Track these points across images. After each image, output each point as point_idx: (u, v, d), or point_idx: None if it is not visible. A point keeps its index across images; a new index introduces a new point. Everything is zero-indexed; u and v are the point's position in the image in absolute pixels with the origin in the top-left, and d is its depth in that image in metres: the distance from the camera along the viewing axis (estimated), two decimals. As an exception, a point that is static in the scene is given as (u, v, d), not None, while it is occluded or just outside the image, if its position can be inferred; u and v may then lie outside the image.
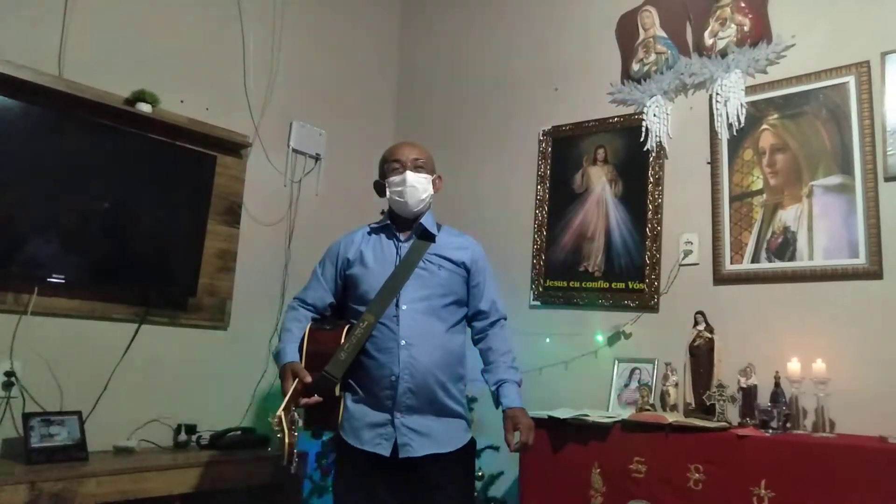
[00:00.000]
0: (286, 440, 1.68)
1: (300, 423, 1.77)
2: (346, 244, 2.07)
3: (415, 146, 2.09)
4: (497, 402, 1.97)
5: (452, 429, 1.93)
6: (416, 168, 2.02)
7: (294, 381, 1.81)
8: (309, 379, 1.82)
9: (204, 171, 2.85)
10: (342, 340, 1.89)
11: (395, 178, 2.01)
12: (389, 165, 2.04)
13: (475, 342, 2.06)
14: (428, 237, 2.02)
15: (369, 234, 2.07)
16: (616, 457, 2.23)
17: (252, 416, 2.98)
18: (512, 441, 1.89)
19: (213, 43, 3.00)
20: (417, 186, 2.00)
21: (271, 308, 3.10)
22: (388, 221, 2.06)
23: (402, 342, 1.87)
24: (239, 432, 2.77)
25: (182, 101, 2.83)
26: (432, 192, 2.06)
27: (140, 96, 2.62)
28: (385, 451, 1.84)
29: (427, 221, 2.04)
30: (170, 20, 2.85)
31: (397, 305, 1.91)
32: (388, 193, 2.03)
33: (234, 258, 2.99)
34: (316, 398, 1.83)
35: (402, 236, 2.03)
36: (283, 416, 1.71)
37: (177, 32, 2.87)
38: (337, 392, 1.89)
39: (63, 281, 2.43)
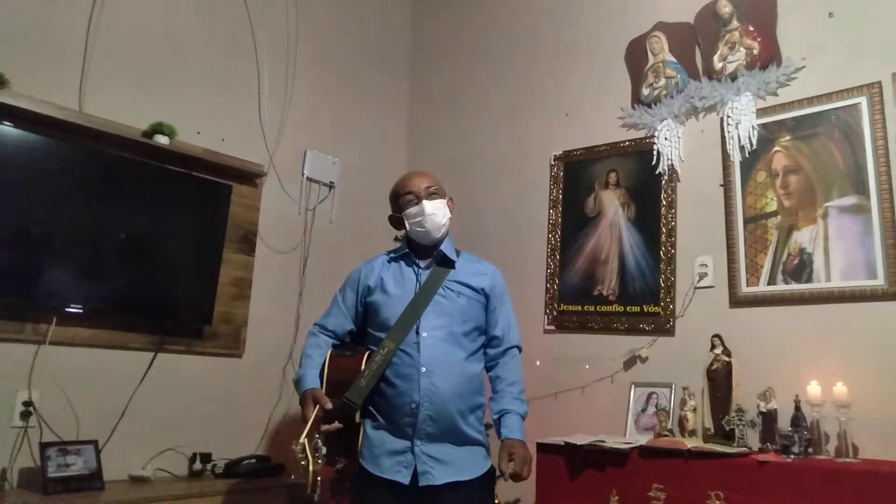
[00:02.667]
0: (310, 468, 1.66)
1: (324, 450, 1.75)
2: (367, 271, 2.08)
3: (423, 174, 2.11)
4: (498, 432, 1.95)
5: (472, 456, 1.92)
6: (430, 195, 2.03)
7: (315, 407, 1.81)
8: (330, 405, 1.81)
9: (220, 200, 2.89)
10: (362, 367, 1.90)
11: (412, 210, 2.02)
12: (404, 198, 2.04)
13: (487, 369, 2.05)
14: (447, 263, 2.03)
15: (389, 261, 2.08)
16: (634, 484, 2.19)
17: (267, 444, 2.97)
18: (506, 471, 1.86)
19: (228, 75, 3.07)
20: (436, 213, 2.01)
21: (286, 335, 3.11)
22: (407, 249, 2.07)
23: (423, 369, 1.87)
24: (254, 460, 2.77)
25: (198, 133, 2.88)
26: (449, 216, 2.07)
27: (158, 129, 2.68)
28: (405, 478, 1.83)
29: (446, 248, 2.05)
30: (186, 54, 2.92)
31: (417, 332, 1.91)
32: (407, 226, 2.04)
33: (250, 286, 3.01)
34: (336, 425, 1.82)
35: (421, 263, 2.04)
36: (306, 444, 1.70)
37: (193, 66, 2.94)
38: (357, 419, 1.89)
39: (81, 311, 2.46)
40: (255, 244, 3.06)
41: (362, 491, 1.92)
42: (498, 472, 1.92)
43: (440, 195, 2.06)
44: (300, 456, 1.69)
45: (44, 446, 2.28)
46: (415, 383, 1.86)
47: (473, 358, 1.99)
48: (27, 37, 2.48)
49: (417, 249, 2.06)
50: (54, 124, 2.42)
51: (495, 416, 1.97)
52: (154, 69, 2.81)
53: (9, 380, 2.34)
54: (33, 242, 2.37)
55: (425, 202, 2.01)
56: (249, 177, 3.04)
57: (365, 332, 2.05)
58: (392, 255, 2.10)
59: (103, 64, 2.65)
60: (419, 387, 1.85)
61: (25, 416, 2.34)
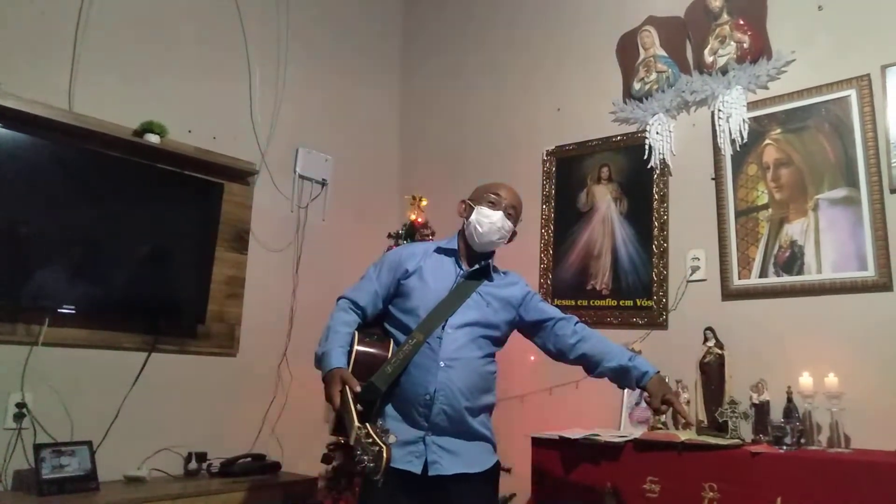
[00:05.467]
0: (385, 454, 1.56)
1: (393, 436, 1.66)
2: (407, 255, 2.08)
3: (516, 194, 2.13)
4: (635, 378, 1.97)
5: (480, 450, 1.94)
6: (508, 215, 2.07)
7: (343, 387, 1.77)
8: (359, 388, 1.78)
9: (212, 198, 2.88)
10: (388, 353, 1.90)
11: (486, 210, 2.05)
12: (488, 196, 2.08)
13: (571, 347, 2.03)
14: (486, 275, 2.06)
15: (433, 251, 2.09)
16: (629, 477, 2.20)
17: (262, 443, 2.97)
18: (682, 407, 1.95)
19: (219, 73, 3.06)
20: (501, 229, 2.05)
21: (280, 334, 3.11)
22: (455, 246, 2.09)
23: (442, 364, 1.89)
24: (249, 459, 2.77)
25: (189, 131, 2.87)
26: (505, 243, 2.11)
27: (148, 127, 2.66)
28: (416, 468, 1.84)
29: (491, 263, 2.09)
30: (176, 53, 2.91)
31: (443, 327, 1.93)
32: (472, 217, 2.06)
33: (243, 285, 3.01)
34: (358, 407, 1.79)
35: (464, 266, 2.06)
36: (370, 428, 1.61)
37: (183, 64, 2.92)
38: (378, 404, 1.88)
39: (73, 311, 2.45)
40: (248, 242, 3.05)
41: (372, 479, 1.92)
42: (503, 468, 1.94)
43: (513, 220, 2.10)
44: (367, 441, 1.59)
45: (38, 448, 2.27)
46: (433, 376, 1.87)
47: (489, 359, 2.02)
48: (16, 36, 2.46)
49: (464, 251, 2.09)
50: (44, 124, 2.41)
51: (627, 362, 1.97)
52: (144, 67, 2.79)
53: (1, 381, 2.32)
54: (24, 243, 2.35)
55: (500, 214, 2.05)
56: (241, 175, 3.03)
57: (385, 311, 2.04)
58: (439, 246, 2.11)
59: (93, 63, 2.63)
60: (437, 379, 1.87)
61: (19, 417, 2.33)
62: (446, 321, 1.93)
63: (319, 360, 1.89)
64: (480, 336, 1.98)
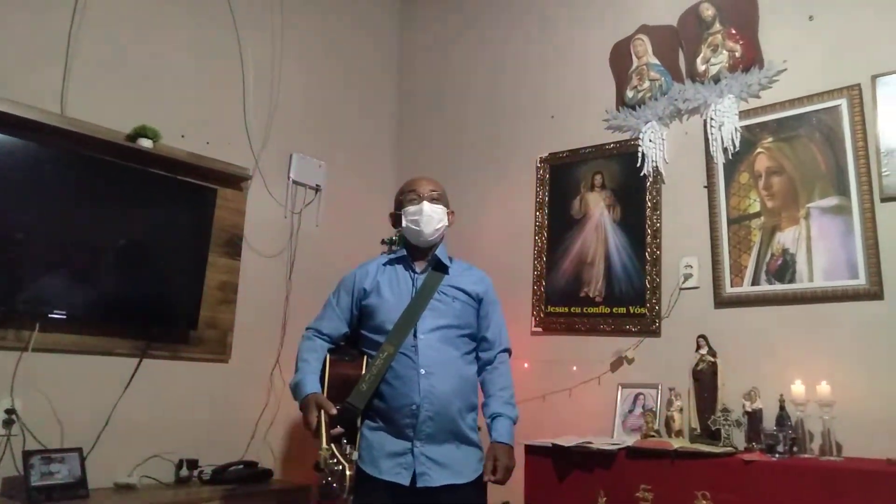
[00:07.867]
0: (347, 472, 1.65)
1: (356, 454, 1.76)
2: (362, 275, 2.11)
3: (431, 180, 2.17)
4: (490, 435, 2.00)
5: (469, 458, 1.95)
6: (432, 199, 2.09)
7: (319, 412, 1.82)
8: (335, 411, 1.83)
9: (205, 204, 2.87)
10: (363, 371, 1.92)
11: (411, 208, 2.08)
12: (406, 196, 2.11)
13: (478, 373, 2.09)
14: (442, 269, 2.08)
15: (384, 265, 2.11)
16: (622, 485, 2.20)
17: (254, 450, 2.95)
18: (488, 477, 1.93)
19: (212, 77, 3.05)
20: (433, 216, 2.07)
21: (273, 340, 3.10)
22: (405, 252, 2.11)
23: (422, 371, 1.90)
24: (241, 466, 2.75)
25: (183, 136, 2.86)
26: (446, 224, 2.13)
27: (141, 132, 2.65)
28: (404, 480, 1.85)
29: (441, 253, 2.11)
30: (170, 57, 2.90)
31: (415, 335, 1.94)
32: (403, 223, 2.09)
33: (236, 290, 2.99)
34: (339, 429, 1.84)
35: (417, 268, 2.08)
36: (334, 448, 1.69)
37: (177, 68, 2.92)
38: (358, 423, 1.90)
39: (64, 317, 2.43)
40: (241, 248, 3.03)
41: (361, 493, 1.93)
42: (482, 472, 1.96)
43: (442, 202, 2.13)
44: (331, 462, 1.67)
45: (27, 455, 2.25)
46: (414, 385, 1.89)
47: (468, 358, 2.04)
48: (8, 40, 2.45)
49: (413, 253, 2.10)
50: (36, 128, 2.39)
51: (488, 420, 2.01)
52: (137, 72, 2.78)
53: (-9, 387, 2.31)
54: (15, 247, 2.33)
55: (425, 203, 2.07)
56: (234, 180, 3.02)
57: (359, 334, 2.08)
58: (389, 258, 2.14)
59: (86, 67, 2.62)
60: (419, 388, 1.89)
61: (8, 424, 2.30)
62: (416, 327, 1.95)
63: (294, 391, 1.95)
64: (455, 336, 2.01)
